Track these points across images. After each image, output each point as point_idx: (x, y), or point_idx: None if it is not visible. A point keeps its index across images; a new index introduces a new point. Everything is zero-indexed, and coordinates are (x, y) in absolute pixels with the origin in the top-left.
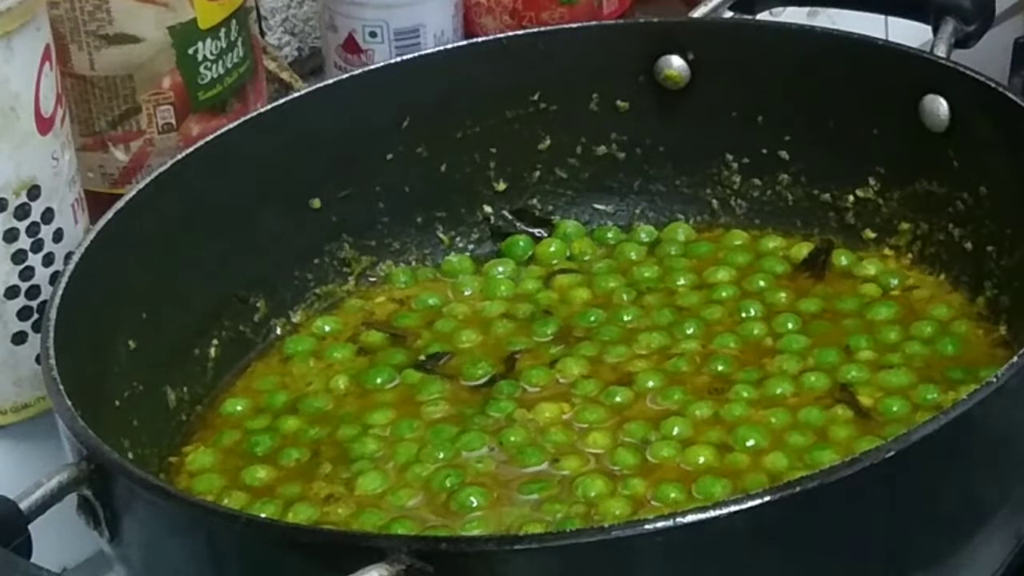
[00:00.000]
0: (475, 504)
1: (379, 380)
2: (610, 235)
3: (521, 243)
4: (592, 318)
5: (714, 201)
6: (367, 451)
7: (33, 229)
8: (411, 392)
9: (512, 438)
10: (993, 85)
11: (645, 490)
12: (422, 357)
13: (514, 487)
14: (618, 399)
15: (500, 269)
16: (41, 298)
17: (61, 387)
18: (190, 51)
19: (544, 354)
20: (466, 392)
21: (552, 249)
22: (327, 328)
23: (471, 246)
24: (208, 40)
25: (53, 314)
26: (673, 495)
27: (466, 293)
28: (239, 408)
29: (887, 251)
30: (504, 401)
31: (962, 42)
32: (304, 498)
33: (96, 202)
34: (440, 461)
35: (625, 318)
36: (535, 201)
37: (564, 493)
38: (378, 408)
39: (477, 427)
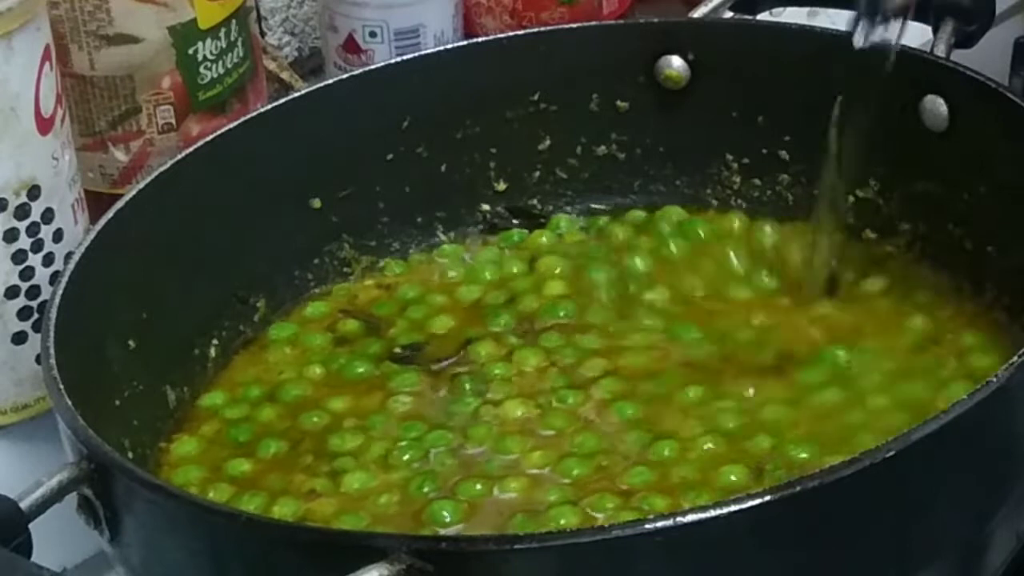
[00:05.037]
0: (448, 519)
1: (360, 370)
2: (602, 222)
3: (516, 237)
4: (561, 312)
5: (714, 201)
6: (345, 446)
7: (33, 229)
8: (383, 382)
9: (477, 436)
10: (993, 85)
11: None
12: (397, 349)
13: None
14: (570, 401)
15: (486, 255)
16: (41, 298)
17: (61, 387)
18: (190, 51)
19: (504, 342)
20: (432, 383)
21: (543, 240)
22: (308, 312)
23: (468, 242)
24: (208, 40)
25: (53, 314)
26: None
27: (451, 275)
28: (218, 401)
29: (888, 250)
30: (469, 397)
31: (962, 42)
32: (287, 491)
33: (96, 202)
34: (412, 459)
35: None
36: (535, 201)
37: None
38: (350, 399)
39: (443, 425)
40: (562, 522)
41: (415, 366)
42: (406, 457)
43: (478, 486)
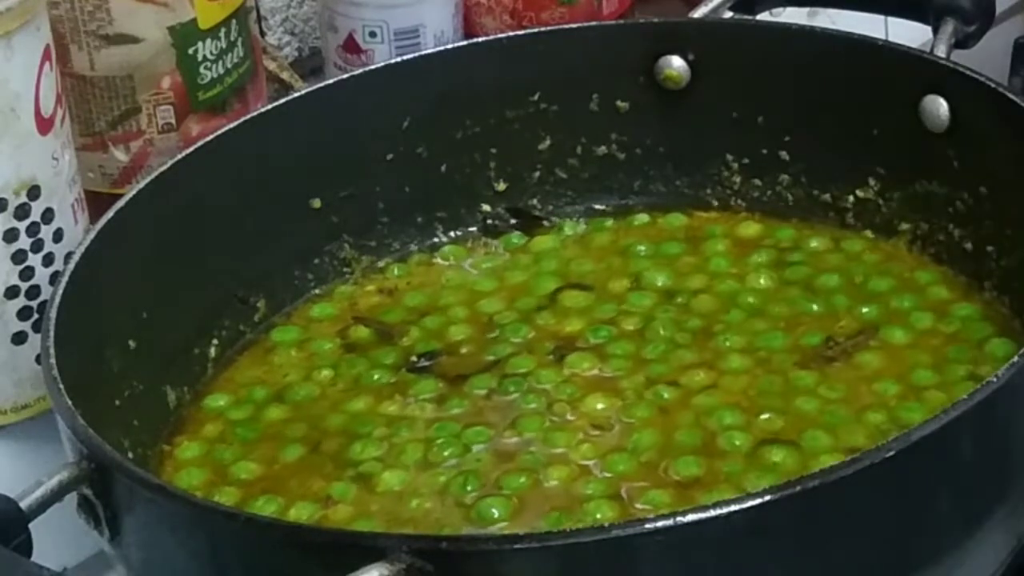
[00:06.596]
0: (496, 515)
1: (376, 377)
2: (608, 223)
3: (514, 239)
4: (603, 333)
5: (714, 201)
6: (368, 450)
7: (33, 229)
8: (401, 389)
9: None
10: (993, 85)
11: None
12: (413, 358)
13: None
14: (666, 396)
15: (489, 265)
16: (41, 298)
17: (61, 387)
18: (190, 51)
19: (540, 350)
20: (450, 390)
21: (548, 246)
22: (314, 314)
23: (470, 245)
24: (208, 40)
25: (53, 314)
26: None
27: (456, 282)
28: (221, 403)
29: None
30: (529, 396)
31: (962, 42)
32: (304, 496)
33: (96, 202)
34: (451, 456)
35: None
36: (535, 201)
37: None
38: (367, 402)
39: (470, 423)
40: (598, 516)
41: (432, 375)
42: (446, 453)
43: (522, 479)
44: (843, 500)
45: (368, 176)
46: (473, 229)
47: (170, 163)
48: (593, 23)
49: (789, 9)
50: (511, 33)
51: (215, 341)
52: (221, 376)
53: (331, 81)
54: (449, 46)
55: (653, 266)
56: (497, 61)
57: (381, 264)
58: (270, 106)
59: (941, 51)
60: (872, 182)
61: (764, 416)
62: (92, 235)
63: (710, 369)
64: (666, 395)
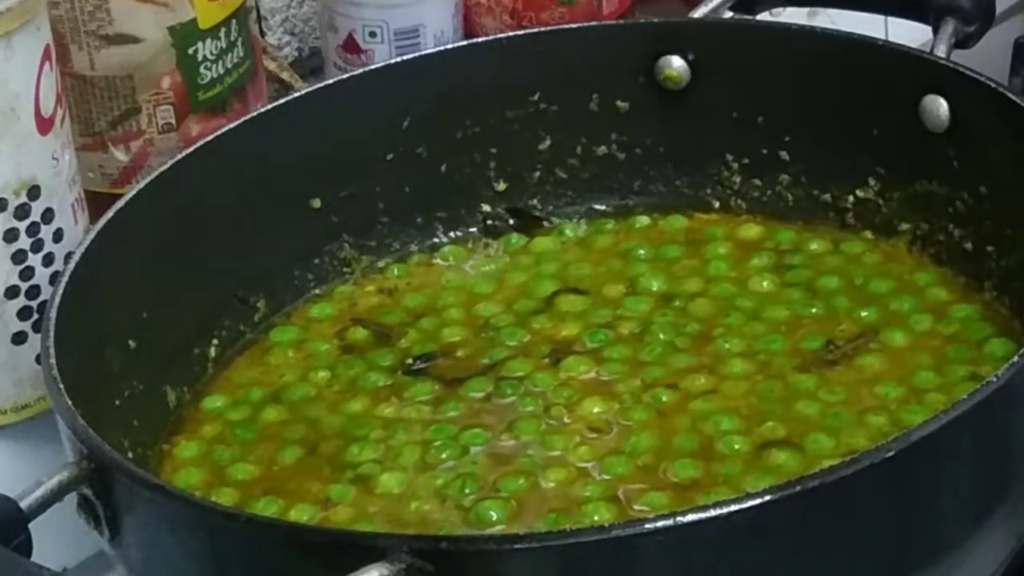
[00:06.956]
0: (495, 518)
1: (373, 378)
2: (609, 226)
3: (513, 240)
4: (601, 336)
5: (714, 202)
6: (365, 452)
7: (33, 229)
8: (398, 391)
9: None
10: (993, 85)
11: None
12: (410, 360)
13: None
14: (664, 399)
15: (489, 267)
16: (41, 298)
17: (61, 387)
18: (190, 51)
19: (536, 354)
20: (447, 393)
21: (548, 247)
22: (313, 314)
23: (470, 245)
24: (208, 40)
25: (53, 314)
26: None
27: (456, 284)
28: (219, 404)
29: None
30: (526, 399)
31: (962, 42)
32: (303, 498)
33: (96, 202)
34: (448, 458)
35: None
36: (535, 202)
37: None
38: (364, 404)
39: (468, 426)
40: (596, 518)
41: (429, 378)
42: (444, 455)
43: (520, 481)
44: (843, 500)
45: (368, 176)
46: (473, 229)
47: (170, 163)
48: (593, 23)
49: (789, 9)
50: (511, 33)
51: (215, 341)
52: (220, 376)
53: (331, 81)
54: (449, 46)
55: (651, 270)
56: (497, 61)
57: (381, 264)
58: (270, 106)
59: (941, 51)
60: (872, 182)
61: (768, 424)
62: (92, 235)
63: (710, 373)
64: (664, 398)
